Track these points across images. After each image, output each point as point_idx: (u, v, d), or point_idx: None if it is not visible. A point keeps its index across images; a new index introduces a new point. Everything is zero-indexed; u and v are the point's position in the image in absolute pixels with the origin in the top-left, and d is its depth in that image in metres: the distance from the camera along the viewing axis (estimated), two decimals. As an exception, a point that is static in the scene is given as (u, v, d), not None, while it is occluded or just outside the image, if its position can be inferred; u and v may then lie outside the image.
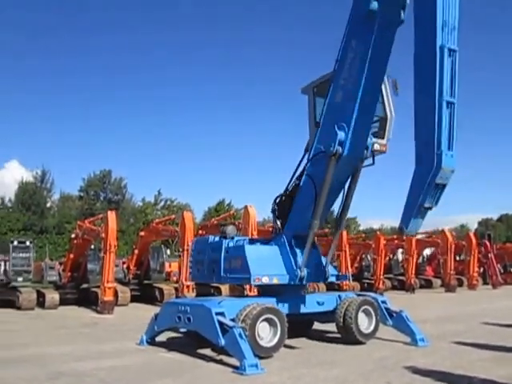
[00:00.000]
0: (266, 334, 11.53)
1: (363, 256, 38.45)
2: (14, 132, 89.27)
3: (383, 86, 12.83)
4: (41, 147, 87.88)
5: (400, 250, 40.73)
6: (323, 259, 13.31)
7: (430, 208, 10.21)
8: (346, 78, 11.86)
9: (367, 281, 36.14)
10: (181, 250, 21.81)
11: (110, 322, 18.53)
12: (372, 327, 13.34)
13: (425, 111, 10.08)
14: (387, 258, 39.58)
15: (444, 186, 10.05)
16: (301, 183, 13.22)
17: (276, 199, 13.74)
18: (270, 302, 12.26)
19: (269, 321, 11.59)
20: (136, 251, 27.43)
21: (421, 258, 42.45)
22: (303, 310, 13.15)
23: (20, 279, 23.37)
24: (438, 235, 39.09)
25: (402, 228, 10.43)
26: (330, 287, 25.45)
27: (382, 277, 34.80)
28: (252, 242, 14.08)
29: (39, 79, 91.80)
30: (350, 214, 52.50)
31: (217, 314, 11.05)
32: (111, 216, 21.50)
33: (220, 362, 10.99)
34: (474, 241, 38.91)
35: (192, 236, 21.69)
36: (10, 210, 54.41)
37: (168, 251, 29.31)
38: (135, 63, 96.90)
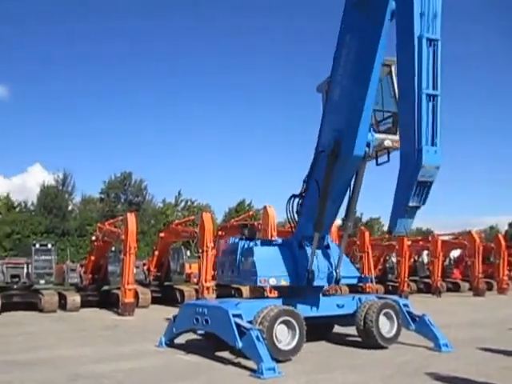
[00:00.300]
0: (285, 337, 11.37)
1: (387, 258, 37.83)
2: (37, 136, 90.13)
3: (394, 80, 12.50)
4: (62, 151, 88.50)
5: (425, 252, 39.95)
6: (334, 261, 12.95)
7: (418, 207, 9.81)
8: (342, 74, 11.65)
9: (391, 283, 35.47)
10: (200, 251, 21.66)
11: (130, 324, 18.48)
12: (394, 331, 13.08)
13: (407, 105, 9.75)
14: (412, 260, 38.83)
15: (430, 183, 9.61)
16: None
17: (289, 200, 13.52)
18: (288, 303, 12.07)
19: (287, 323, 11.43)
20: (156, 253, 27.39)
21: (448, 260, 41.59)
22: (322, 312, 12.94)
23: (42, 282, 23.32)
24: (465, 237, 38.32)
25: (390, 229, 10.15)
26: (353, 289, 25.11)
27: (406, 279, 34.00)
28: (264, 243, 13.84)
29: (59, 83, 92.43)
30: (373, 214, 51.55)
31: (234, 315, 10.93)
32: (131, 218, 21.44)
33: (238, 364, 10.86)
34: (503, 243, 38.03)
35: (211, 237, 21.54)
36: (33, 214, 54.91)
37: (188, 252, 29.17)
38: (156, 66, 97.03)
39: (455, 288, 38.62)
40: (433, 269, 35.63)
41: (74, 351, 12.93)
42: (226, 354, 11.67)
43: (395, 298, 14.79)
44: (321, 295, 13.29)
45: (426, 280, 37.34)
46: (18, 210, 55.59)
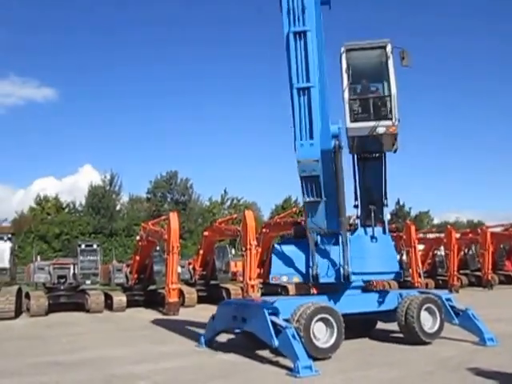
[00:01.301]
0: (323, 335, 11.22)
1: (435, 252, 36.90)
2: (87, 137, 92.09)
3: (389, 61, 12.22)
4: (111, 151, 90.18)
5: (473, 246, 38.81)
6: (341, 258, 12.42)
7: (317, 202, 9.90)
8: None
9: (441, 277, 34.64)
10: (244, 249, 21.60)
11: (173, 324, 18.54)
12: (436, 326, 12.77)
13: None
14: (461, 253, 37.74)
15: (315, 177, 9.58)
16: None
17: None
18: (326, 301, 11.89)
19: (324, 321, 11.27)
20: (201, 251, 27.34)
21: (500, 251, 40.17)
22: (362, 309, 12.74)
23: (88, 282, 23.63)
24: (516, 228, 37.03)
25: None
26: (403, 285, 24.68)
27: (455, 273, 33.10)
28: (289, 241, 13.69)
29: (106, 85, 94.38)
30: (422, 208, 50.64)
31: (270, 314, 10.81)
32: (173, 217, 21.49)
33: (276, 363, 10.76)
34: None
35: (254, 235, 21.45)
36: (81, 214, 56.05)
37: (233, 251, 29.09)
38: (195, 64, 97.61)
39: (508, 280, 37.40)
40: (483, 261, 34.67)
41: (114, 352, 13.06)
42: (265, 353, 11.57)
43: (438, 292, 14.39)
44: (360, 291, 13.08)
45: (478, 273, 36.33)
46: (66, 210, 56.80)
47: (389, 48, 12.24)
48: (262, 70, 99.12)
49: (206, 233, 27.33)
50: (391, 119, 12.03)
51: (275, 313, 10.89)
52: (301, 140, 9.66)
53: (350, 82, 12.36)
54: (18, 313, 21.48)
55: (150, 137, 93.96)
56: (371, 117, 12.21)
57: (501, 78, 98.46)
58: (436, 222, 77.60)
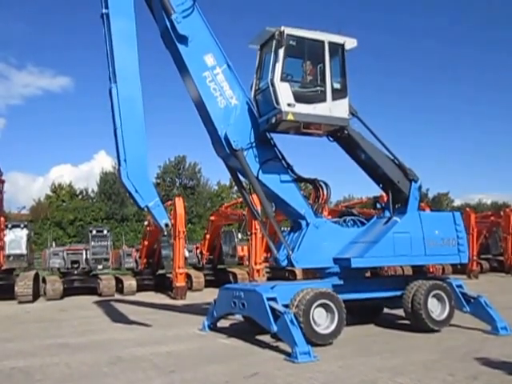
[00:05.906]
0: (323, 321, 10.93)
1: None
2: (101, 124, 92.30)
3: (273, 47, 12.13)
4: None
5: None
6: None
7: (146, 206, 11.32)
8: None
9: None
10: (249, 233, 21.36)
11: (179, 308, 18.40)
12: (445, 314, 12.35)
13: None
14: (482, 237, 36.50)
15: (129, 193, 11.38)
16: None
17: None
18: (327, 286, 11.51)
19: (325, 306, 10.98)
20: (207, 236, 27.27)
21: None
22: (366, 295, 12.34)
23: (100, 267, 23.85)
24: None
25: None
26: (418, 270, 24.11)
27: (475, 258, 31.89)
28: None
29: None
30: (441, 190, 48.67)
31: (268, 299, 10.56)
32: (178, 202, 21.32)
33: (275, 348, 10.51)
34: None
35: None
36: (94, 200, 56.70)
37: (239, 235, 28.85)
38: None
39: (532, 266, 36.29)
40: (505, 246, 33.56)
41: (121, 334, 13.06)
42: (266, 338, 11.31)
43: (448, 278, 13.86)
44: (363, 277, 12.73)
45: (500, 258, 35.24)
46: (80, 197, 57.47)
47: (276, 35, 12.04)
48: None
49: (212, 217, 27.27)
50: (276, 107, 11.95)
51: (274, 298, 10.60)
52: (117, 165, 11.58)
53: (257, 77, 12.93)
54: (35, 296, 21.99)
55: (159, 123, 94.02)
56: (268, 108, 12.26)
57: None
58: (457, 203, 75.73)
